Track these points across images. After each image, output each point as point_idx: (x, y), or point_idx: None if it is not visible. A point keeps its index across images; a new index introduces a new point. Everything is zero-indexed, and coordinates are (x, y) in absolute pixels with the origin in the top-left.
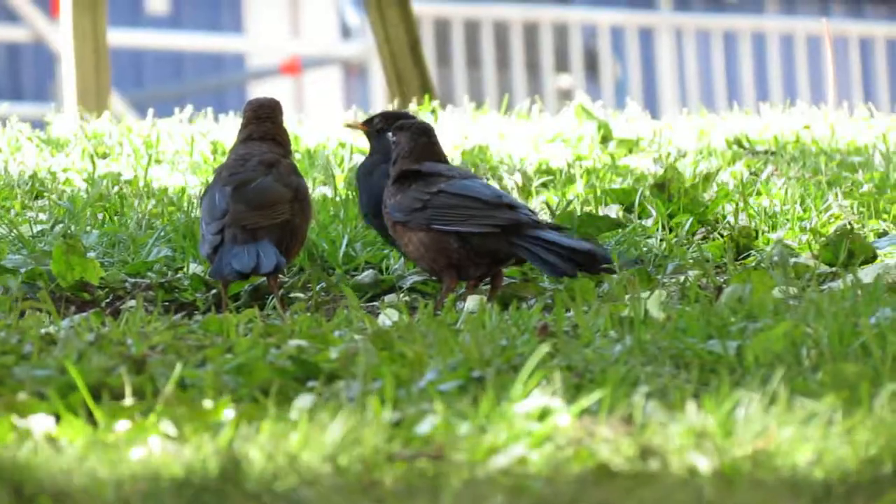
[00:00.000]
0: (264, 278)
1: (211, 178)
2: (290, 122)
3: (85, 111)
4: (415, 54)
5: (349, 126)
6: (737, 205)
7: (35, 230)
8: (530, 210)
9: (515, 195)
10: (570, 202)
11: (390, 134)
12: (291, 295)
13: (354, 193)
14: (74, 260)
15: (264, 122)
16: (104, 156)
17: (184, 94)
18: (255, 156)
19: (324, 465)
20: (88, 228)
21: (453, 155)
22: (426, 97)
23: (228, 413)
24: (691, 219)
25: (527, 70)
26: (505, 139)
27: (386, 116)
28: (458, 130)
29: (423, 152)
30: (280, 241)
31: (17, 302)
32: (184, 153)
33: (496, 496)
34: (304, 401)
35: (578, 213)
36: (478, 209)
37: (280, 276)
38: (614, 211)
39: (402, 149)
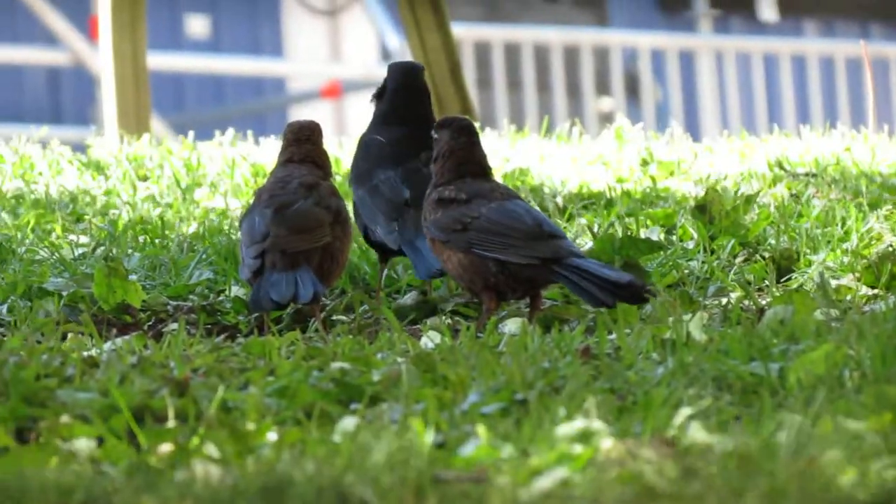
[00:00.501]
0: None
1: (251, 201)
2: (330, 145)
3: (125, 134)
4: (455, 78)
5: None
6: (778, 227)
7: (76, 253)
8: (569, 240)
9: (556, 218)
10: (610, 224)
11: (433, 131)
12: (334, 318)
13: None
14: (116, 283)
15: (304, 143)
16: (145, 178)
17: (224, 118)
18: (296, 178)
19: (367, 488)
20: (130, 251)
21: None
22: None
23: (271, 436)
24: (732, 241)
25: (567, 93)
26: (545, 162)
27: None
28: (498, 153)
29: (465, 153)
30: (320, 265)
31: (59, 325)
32: (224, 176)
33: None
34: (347, 423)
35: (619, 236)
36: (518, 238)
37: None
38: (655, 233)
39: (442, 148)
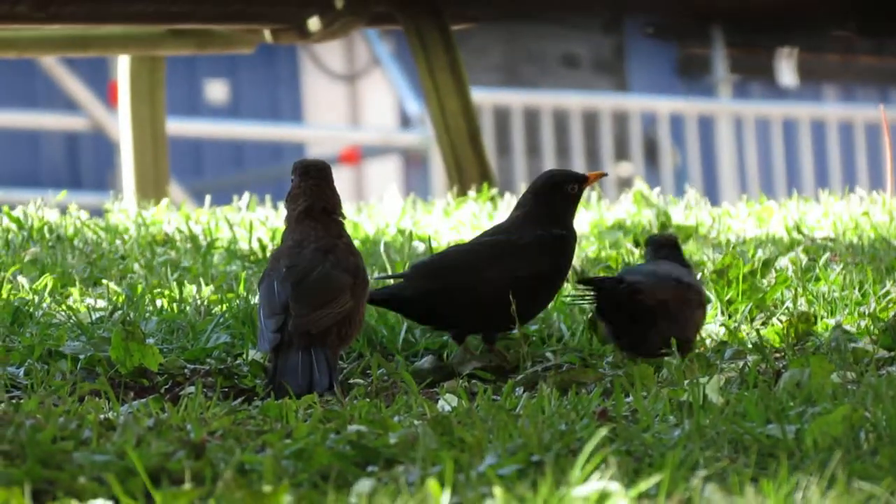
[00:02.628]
0: None
1: (269, 264)
2: (349, 210)
3: (143, 199)
4: (474, 143)
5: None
6: (795, 290)
7: (94, 317)
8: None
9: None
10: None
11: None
12: (351, 381)
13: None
14: (133, 346)
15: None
16: (163, 243)
17: (243, 183)
18: (311, 242)
19: None
20: (147, 315)
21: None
22: (485, 185)
23: (288, 498)
24: (750, 304)
25: (586, 157)
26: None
27: None
28: None
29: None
30: (339, 331)
31: (76, 387)
32: (242, 240)
33: None
34: (363, 485)
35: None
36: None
37: (339, 362)
38: None
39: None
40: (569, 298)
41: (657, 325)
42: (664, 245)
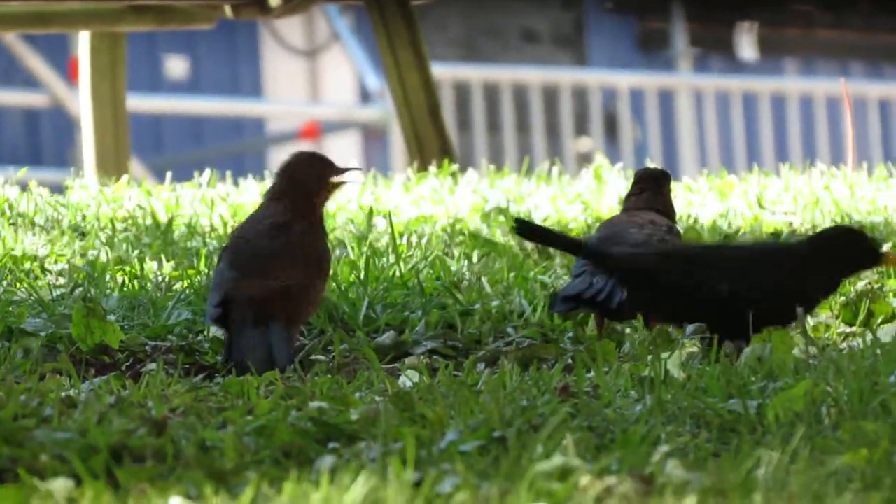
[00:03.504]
0: None
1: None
2: None
3: (104, 176)
4: (434, 118)
5: None
6: None
7: (55, 294)
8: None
9: (535, 257)
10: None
11: None
12: (312, 357)
13: (376, 257)
14: (94, 323)
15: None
16: (124, 220)
17: (203, 159)
18: (269, 218)
19: None
20: (108, 292)
21: (473, 218)
22: (446, 161)
23: (249, 475)
24: None
25: (546, 133)
26: (525, 202)
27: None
28: (477, 193)
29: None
30: (289, 309)
31: (38, 365)
32: (203, 216)
33: None
34: (325, 462)
35: None
36: None
37: (300, 338)
38: None
39: None
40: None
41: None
42: (640, 180)
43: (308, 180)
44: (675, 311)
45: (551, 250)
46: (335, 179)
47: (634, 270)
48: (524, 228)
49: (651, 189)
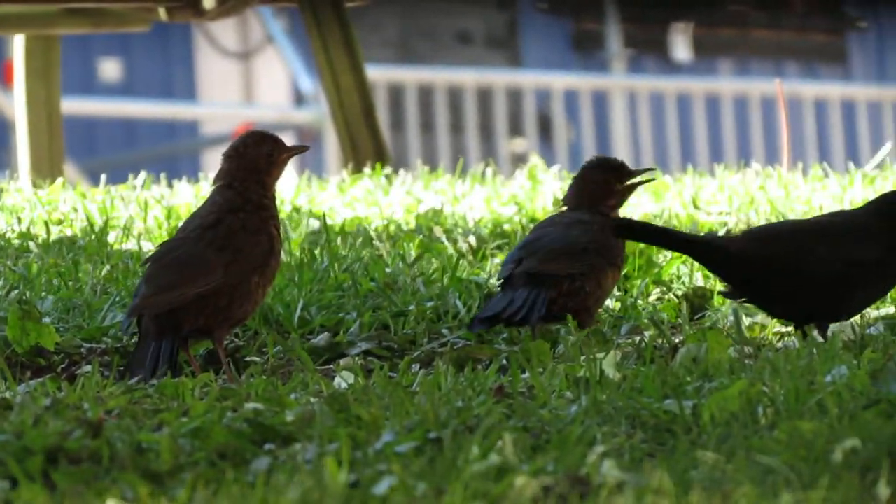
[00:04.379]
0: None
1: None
2: None
3: (39, 179)
4: (369, 120)
5: None
6: (691, 265)
7: None
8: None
9: (469, 258)
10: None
11: None
12: (247, 359)
13: (308, 257)
14: (30, 326)
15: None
16: (58, 222)
17: (137, 161)
18: (198, 217)
19: None
20: (44, 294)
21: (408, 219)
22: (380, 162)
23: (185, 476)
24: (646, 280)
25: (480, 134)
26: (459, 203)
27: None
28: (411, 194)
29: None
30: (208, 312)
31: None
32: (138, 219)
33: None
34: (260, 463)
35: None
36: None
37: (235, 339)
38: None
39: None
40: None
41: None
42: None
43: (258, 159)
44: (788, 297)
45: (487, 251)
46: (285, 155)
47: (748, 259)
48: (624, 228)
49: (586, 177)
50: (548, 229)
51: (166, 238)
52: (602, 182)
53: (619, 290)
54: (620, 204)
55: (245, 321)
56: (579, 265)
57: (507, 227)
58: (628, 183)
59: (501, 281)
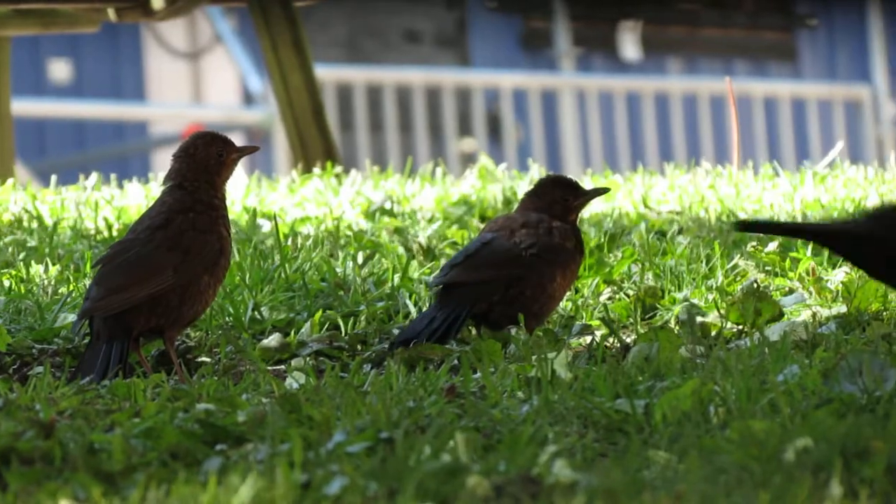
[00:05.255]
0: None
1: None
2: None
3: None
4: (318, 120)
5: None
6: (642, 264)
7: None
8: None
9: (420, 258)
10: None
11: None
12: (199, 359)
13: (261, 259)
14: None
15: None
16: (9, 223)
17: (87, 162)
18: (148, 218)
19: None
20: None
21: (358, 219)
22: (329, 162)
23: (137, 476)
24: (597, 279)
25: (429, 133)
26: (409, 202)
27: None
28: (361, 194)
29: None
30: (165, 314)
31: None
32: (88, 219)
33: None
34: (212, 464)
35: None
36: None
37: (186, 340)
38: None
39: None
40: None
41: None
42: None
43: (208, 159)
44: None
45: (438, 251)
46: (235, 156)
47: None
48: (747, 225)
49: (542, 194)
50: (491, 234)
51: (117, 239)
52: (561, 199)
53: (570, 290)
54: (577, 217)
55: (196, 321)
56: (506, 273)
57: (457, 226)
58: (582, 199)
59: (435, 290)
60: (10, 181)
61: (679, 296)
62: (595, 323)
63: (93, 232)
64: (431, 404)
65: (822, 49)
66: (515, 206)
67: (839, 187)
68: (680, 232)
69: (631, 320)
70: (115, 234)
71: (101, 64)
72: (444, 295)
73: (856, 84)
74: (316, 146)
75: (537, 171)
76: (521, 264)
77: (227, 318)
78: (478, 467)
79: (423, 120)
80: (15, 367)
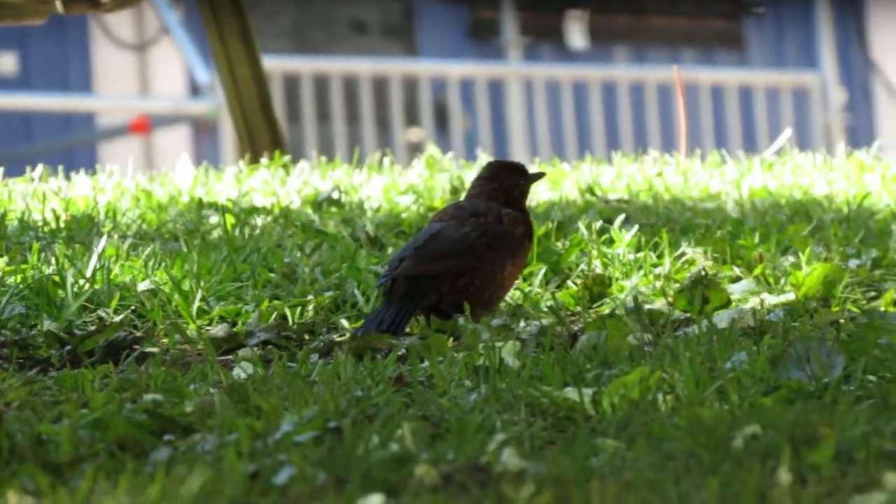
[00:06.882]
0: (118, 334)
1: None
2: (140, 180)
3: None
4: (266, 110)
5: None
6: (590, 253)
7: None
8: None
9: (367, 248)
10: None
11: None
12: (146, 350)
13: (209, 249)
14: None
15: None
16: None
17: (34, 154)
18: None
19: None
20: None
21: (305, 209)
22: (277, 153)
23: (85, 467)
24: (545, 268)
25: (376, 123)
26: (357, 192)
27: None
28: (309, 184)
29: None
30: None
31: None
32: (36, 211)
33: None
34: (160, 454)
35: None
36: None
37: (133, 330)
38: None
39: None
40: None
41: None
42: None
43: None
44: None
45: (385, 240)
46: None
47: None
48: None
49: (491, 179)
50: (439, 224)
51: (62, 229)
52: (518, 185)
53: (519, 277)
54: (525, 203)
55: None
56: (457, 263)
57: (405, 215)
58: (529, 182)
59: (383, 284)
60: None
61: (627, 284)
62: (543, 312)
63: (40, 224)
64: (379, 394)
65: (770, 37)
66: (463, 194)
67: (787, 174)
68: (627, 220)
69: (579, 309)
70: (62, 225)
71: (49, 56)
72: (394, 287)
73: (804, 71)
74: (263, 137)
75: (485, 160)
76: (471, 254)
77: (174, 309)
78: (426, 456)
79: (371, 110)
80: None
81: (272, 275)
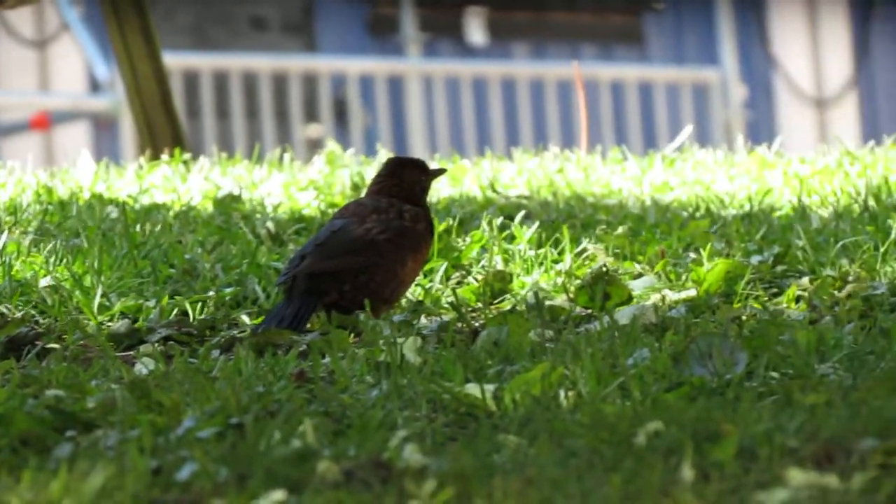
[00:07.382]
0: (19, 329)
1: None
2: (41, 176)
3: None
4: (166, 107)
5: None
6: (491, 249)
7: None
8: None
9: (268, 244)
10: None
11: None
12: (47, 346)
13: (109, 245)
14: None
15: None
16: None
17: None
18: None
19: None
20: None
21: (206, 205)
22: (177, 149)
23: None
24: (446, 264)
25: (276, 119)
26: (257, 188)
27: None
28: (209, 181)
29: None
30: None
31: None
32: None
33: None
34: (63, 450)
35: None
36: None
37: (34, 326)
38: None
39: None
40: None
41: None
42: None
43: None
44: None
45: (286, 236)
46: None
47: None
48: None
49: (391, 176)
50: (340, 221)
51: None
52: (419, 181)
53: (420, 273)
54: (426, 198)
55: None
56: (358, 260)
57: (305, 212)
58: (430, 177)
59: (284, 282)
60: None
61: (528, 280)
62: (444, 308)
63: None
64: (281, 389)
65: (670, 33)
66: (364, 191)
67: (688, 170)
68: (528, 216)
69: (480, 305)
70: None
71: None
72: (295, 284)
73: (704, 68)
74: (164, 133)
75: (385, 157)
76: (372, 251)
77: (75, 304)
78: (328, 452)
79: (271, 106)
80: None
81: (173, 271)
